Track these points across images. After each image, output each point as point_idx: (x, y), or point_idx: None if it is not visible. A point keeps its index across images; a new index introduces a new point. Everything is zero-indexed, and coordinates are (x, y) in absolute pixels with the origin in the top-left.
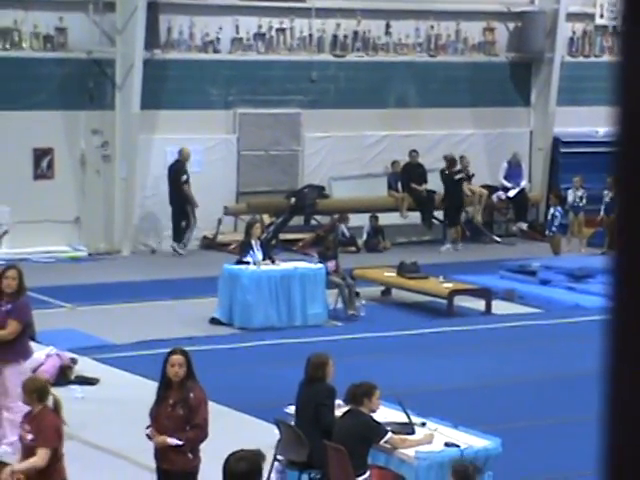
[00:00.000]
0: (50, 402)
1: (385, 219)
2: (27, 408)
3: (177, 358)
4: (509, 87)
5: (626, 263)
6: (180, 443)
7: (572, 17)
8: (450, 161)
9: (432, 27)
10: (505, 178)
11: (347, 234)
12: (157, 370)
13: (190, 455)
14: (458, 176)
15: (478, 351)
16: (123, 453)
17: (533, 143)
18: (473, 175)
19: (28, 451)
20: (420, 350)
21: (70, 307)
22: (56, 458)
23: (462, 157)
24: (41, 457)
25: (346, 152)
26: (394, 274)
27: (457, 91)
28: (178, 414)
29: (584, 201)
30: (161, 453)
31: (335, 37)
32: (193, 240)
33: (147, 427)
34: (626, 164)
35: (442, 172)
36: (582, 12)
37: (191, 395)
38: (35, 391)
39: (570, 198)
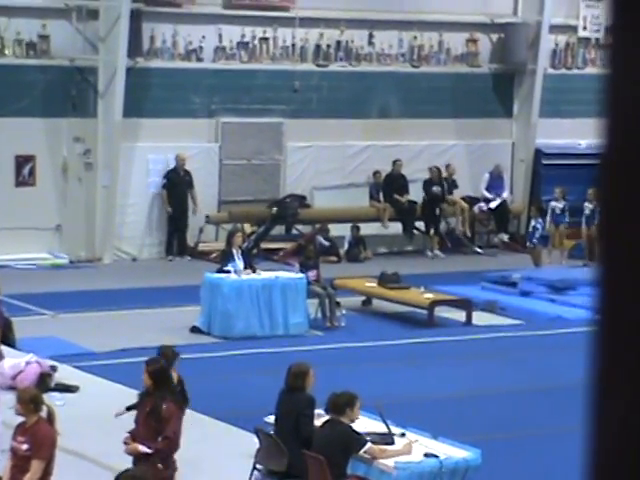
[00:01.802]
0: (44, 412)
1: (367, 229)
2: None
3: (145, 367)
4: (491, 98)
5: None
6: (149, 451)
7: (555, 29)
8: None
9: (415, 38)
10: (487, 189)
11: (325, 244)
12: (137, 378)
13: (160, 465)
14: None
15: (458, 362)
16: (102, 461)
17: (515, 154)
18: (454, 183)
19: (22, 462)
20: (400, 360)
21: (51, 315)
22: (47, 471)
23: (448, 165)
24: (35, 470)
25: (328, 162)
26: (375, 284)
27: (439, 102)
28: (151, 424)
29: (566, 213)
30: (135, 461)
31: (318, 47)
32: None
33: (128, 432)
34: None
35: (425, 183)
36: (565, 24)
37: (164, 406)
38: (31, 401)
39: (551, 210)
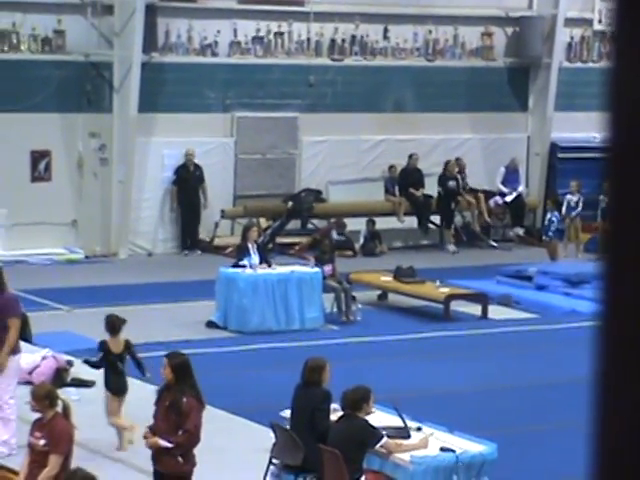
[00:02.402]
0: (59, 407)
1: (382, 223)
2: (14, 405)
3: (164, 360)
4: (507, 92)
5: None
6: (169, 445)
7: (570, 22)
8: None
9: (430, 32)
10: (502, 183)
11: (339, 239)
12: (153, 373)
13: (180, 459)
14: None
15: (474, 356)
16: (118, 455)
17: (530, 148)
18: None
19: (39, 457)
20: (416, 355)
21: (67, 309)
22: (64, 466)
23: (458, 159)
24: (53, 465)
25: (343, 156)
26: (390, 278)
27: (455, 96)
28: (171, 418)
29: (580, 206)
30: (156, 455)
31: (333, 41)
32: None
33: (148, 427)
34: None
35: (441, 177)
36: (580, 17)
37: (184, 400)
38: (46, 397)
39: (567, 203)
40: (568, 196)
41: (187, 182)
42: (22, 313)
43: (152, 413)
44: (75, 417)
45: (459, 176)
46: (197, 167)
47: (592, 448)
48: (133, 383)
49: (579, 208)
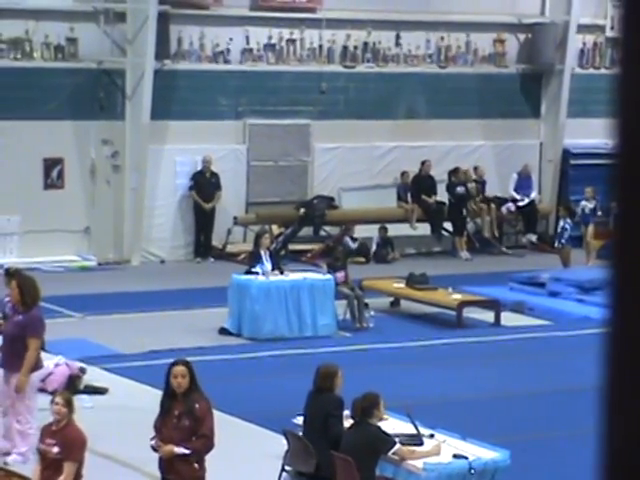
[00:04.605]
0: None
1: (394, 230)
2: (34, 418)
3: (180, 369)
4: (519, 99)
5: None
6: (187, 452)
7: (583, 29)
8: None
9: (442, 38)
10: (515, 190)
11: (351, 246)
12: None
13: (196, 465)
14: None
15: (487, 363)
16: (132, 463)
17: (543, 155)
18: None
19: (52, 464)
20: (429, 361)
21: (79, 317)
22: (78, 473)
23: (476, 168)
24: (68, 472)
25: (355, 163)
26: (403, 285)
27: (467, 102)
28: (184, 425)
29: (597, 212)
30: (167, 464)
31: (345, 48)
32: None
33: (151, 439)
34: (625, 176)
35: (449, 184)
36: (593, 24)
37: (196, 406)
38: (72, 402)
39: (581, 210)
40: (583, 202)
41: (203, 188)
42: (43, 334)
43: (154, 424)
44: (88, 424)
45: (470, 184)
46: (214, 174)
47: (600, 450)
48: (141, 390)
49: (597, 214)
